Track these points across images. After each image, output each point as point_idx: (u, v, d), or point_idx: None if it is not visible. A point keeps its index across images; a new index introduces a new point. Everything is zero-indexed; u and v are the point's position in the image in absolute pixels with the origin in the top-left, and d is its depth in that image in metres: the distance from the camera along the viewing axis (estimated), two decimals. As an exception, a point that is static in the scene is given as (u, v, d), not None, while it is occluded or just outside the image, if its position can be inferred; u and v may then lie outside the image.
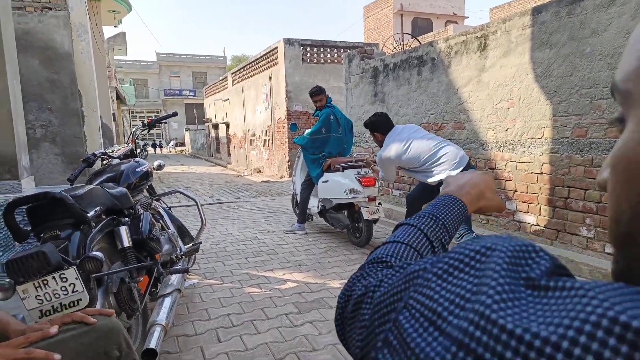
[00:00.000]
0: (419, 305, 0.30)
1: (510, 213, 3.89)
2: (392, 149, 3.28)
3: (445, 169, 3.00)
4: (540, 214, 3.61)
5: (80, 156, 6.37)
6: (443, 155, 3.05)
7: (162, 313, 1.99)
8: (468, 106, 4.27)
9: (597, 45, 3.05)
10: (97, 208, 1.92)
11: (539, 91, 3.52)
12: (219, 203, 7.47)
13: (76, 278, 1.57)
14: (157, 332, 1.86)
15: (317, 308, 2.72)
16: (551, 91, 3.42)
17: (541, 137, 3.54)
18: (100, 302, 1.85)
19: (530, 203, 3.70)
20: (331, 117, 4.51)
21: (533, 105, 3.59)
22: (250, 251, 4.11)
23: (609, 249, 3.08)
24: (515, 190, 3.83)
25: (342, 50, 12.28)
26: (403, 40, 12.08)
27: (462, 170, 2.95)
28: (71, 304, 1.58)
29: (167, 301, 2.11)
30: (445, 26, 23.82)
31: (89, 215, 1.81)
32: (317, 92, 4.58)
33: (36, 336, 1.03)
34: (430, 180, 3.16)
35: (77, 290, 1.57)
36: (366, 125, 3.59)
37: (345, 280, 2.87)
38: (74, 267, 1.56)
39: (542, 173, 3.56)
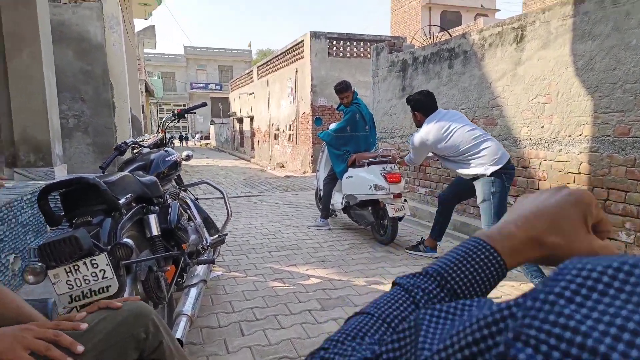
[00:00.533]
0: (554, 340, 0.22)
1: (544, 213, 3.73)
2: (432, 133, 3.10)
3: (484, 163, 2.88)
4: (576, 215, 3.44)
5: (111, 146, 6.51)
6: (484, 149, 2.91)
7: (188, 303, 1.99)
8: (501, 101, 4.12)
9: (646, 37, 2.87)
10: (128, 195, 1.93)
11: (579, 86, 3.35)
12: (243, 196, 7.52)
13: (107, 264, 1.57)
14: (183, 322, 1.86)
15: (341, 305, 2.68)
16: (592, 86, 3.25)
17: (580, 135, 3.38)
18: (128, 289, 1.86)
19: (565, 203, 3.54)
20: (357, 115, 4.43)
21: (572, 101, 3.42)
22: (274, 245, 4.10)
23: (651, 254, 2.91)
24: (550, 190, 3.67)
25: (368, 44, 12.12)
26: (432, 34, 11.83)
27: (501, 169, 2.83)
28: (101, 290, 1.59)
29: (193, 292, 2.10)
30: (475, 20, 23.20)
31: (120, 202, 1.82)
32: (343, 89, 4.46)
33: (66, 325, 1.02)
34: (464, 172, 3.01)
35: (107, 277, 1.58)
36: (409, 101, 3.38)
37: (370, 278, 2.81)
38: (105, 253, 1.57)
39: (579, 173, 3.40)
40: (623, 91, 3.02)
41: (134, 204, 2.05)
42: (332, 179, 4.64)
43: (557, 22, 3.49)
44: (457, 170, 3.11)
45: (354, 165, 4.29)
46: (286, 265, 3.48)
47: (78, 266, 1.54)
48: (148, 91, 18.79)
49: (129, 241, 1.61)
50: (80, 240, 1.49)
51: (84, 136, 5.71)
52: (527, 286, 3.02)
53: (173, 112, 3.05)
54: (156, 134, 3.00)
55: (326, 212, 4.73)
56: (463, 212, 4.68)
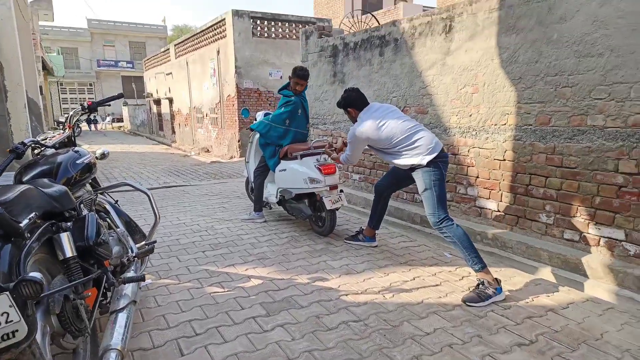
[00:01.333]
0: None
1: (472, 199, 3.92)
2: (367, 125, 3.07)
3: (420, 153, 2.89)
4: (501, 200, 3.66)
5: (4, 136, 5.60)
6: (418, 139, 2.93)
7: (117, 334, 1.72)
8: (432, 90, 4.20)
9: (565, 31, 3.05)
10: (32, 215, 1.59)
11: (504, 77, 3.50)
12: (167, 187, 7.01)
13: (10, 306, 1.27)
14: (112, 360, 1.60)
15: (287, 308, 2.56)
16: (516, 77, 3.42)
17: (505, 124, 3.55)
18: (40, 325, 1.55)
19: (491, 189, 3.74)
20: (299, 110, 4.23)
21: (497, 92, 3.58)
22: (207, 243, 3.84)
23: (567, 235, 3.18)
24: (478, 177, 3.85)
25: (293, 25, 11.85)
26: (355, 17, 11.86)
27: (436, 158, 2.86)
28: (5, 337, 1.28)
29: (122, 318, 1.83)
30: (395, 4, 23.80)
31: (22, 225, 1.49)
32: (305, 77, 4.15)
33: None
34: (401, 162, 3.02)
35: (11, 320, 1.28)
36: (339, 104, 3.35)
37: (313, 274, 2.72)
38: (7, 293, 1.26)
39: (504, 160, 3.59)
40: (544, 83, 3.21)
41: (40, 222, 1.70)
42: (264, 171, 4.44)
43: (484, 15, 3.60)
44: (394, 161, 3.11)
45: (285, 157, 4.12)
46: (223, 267, 3.26)
47: (-30, 313, 1.23)
48: (46, 69, 16.67)
49: (37, 275, 1.31)
50: (-29, 283, 1.17)
51: (-32, 126, 4.84)
52: (463, 270, 3.16)
53: (82, 104, 2.63)
54: (62, 131, 2.57)
55: (259, 204, 4.54)
56: (397, 198, 4.78)
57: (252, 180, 4.60)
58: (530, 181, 3.40)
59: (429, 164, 2.86)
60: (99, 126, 29.01)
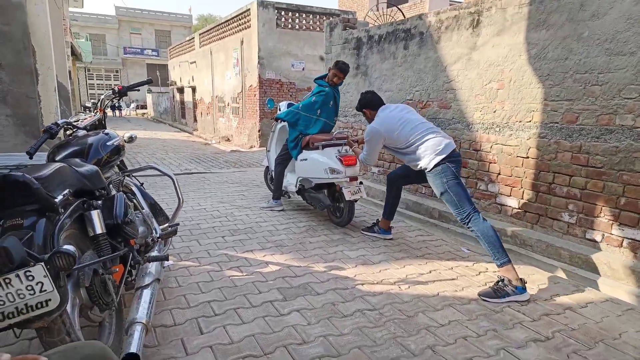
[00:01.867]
0: None
1: (493, 195, 3.89)
2: (384, 123, 3.13)
3: (428, 153, 2.90)
4: (522, 198, 3.61)
5: (34, 118, 5.80)
6: (429, 139, 2.95)
7: (142, 309, 1.80)
8: (456, 85, 4.16)
9: (596, 29, 2.97)
10: (66, 191, 1.67)
11: (532, 73, 3.44)
12: (188, 173, 7.14)
13: (44, 276, 1.35)
14: (137, 333, 1.67)
15: (303, 295, 2.61)
16: (544, 74, 3.35)
17: (530, 121, 3.50)
18: (70, 297, 1.64)
19: (513, 187, 3.69)
20: (331, 102, 4.25)
21: (524, 88, 3.52)
22: (227, 229, 3.92)
23: (589, 235, 3.13)
24: (499, 173, 3.81)
25: (317, 17, 11.81)
26: (378, 10, 11.74)
27: (446, 157, 2.86)
28: (39, 305, 1.37)
29: (147, 294, 1.91)
30: (421, -3, 23.39)
31: (57, 200, 1.57)
32: (347, 71, 4.19)
33: None
34: (412, 163, 3.06)
35: (45, 290, 1.36)
36: (357, 107, 3.46)
37: (330, 263, 2.76)
38: (42, 264, 1.34)
39: (527, 157, 3.54)
40: (573, 80, 3.14)
41: (72, 199, 1.79)
42: (285, 159, 4.49)
43: (513, 10, 3.53)
44: (407, 162, 3.15)
45: (307, 147, 4.16)
46: (242, 252, 3.34)
47: (10, 279, 1.31)
48: (75, 55, 17.07)
49: (71, 248, 1.39)
50: (11, 251, 1.25)
51: (3, 106, 5.02)
52: (480, 266, 3.15)
53: (113, 89, 2.71)
54: (93, 113, 2.66)
55: (279, 192, 4.60)
56: (415, 192, 4.76)
57: (273, 169, 4.65)
58: (554, 179, 3.35)
59: (436, 166, 2.87)
60: (123, 112, 29.61)
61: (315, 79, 4.41)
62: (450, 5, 4.92)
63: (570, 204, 3.24)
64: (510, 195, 3.72)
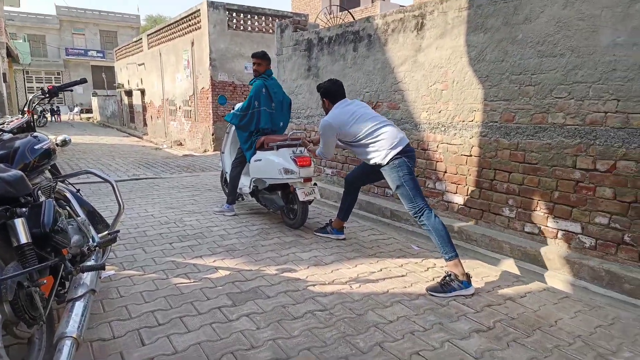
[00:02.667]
0: None
1: (440, 193, 4.01)
2: (338, 117, 3.15)
3: (383, 148, 2.94)
4: (467, 195, 3.76)
5: (-40, 124, 5.34)
6: (382, 133, 2.98)
7: (73, 322, 1.67)
8: (403, 86, 4.26)
9: (529, 32, 3.15)
10: (-18, 199, 1.53)
11: (472, 75, 3.59)
12: (136, 179, 6.84)
13: (-44, 292, 1.22)
14: (67, 348, 1.55)
15: (254, 299, 2.55)
16: (483, 75, 3.51)
17: (472, 120, 3.64)
18: (-10, 313, 1.50)
19: (458, 184, 3.83)
20: (263, 90, 4.20)
21: (466, 89, 3.66)
22: (175, 235, 3.77)
23: (528, 228, 3.30)
24: (446, 172, 3.94)
25: (270, 19, 11.76)
26: (331, 14, 11.87)
27: (399, 154, 2.91)
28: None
29: (79, 306, 1.79)
30: (373, 1, 23.93)
31: (-30, 209, 1.43)
32: (257, 55, 4.22)
33: None
34: (365, 157, 3.08)
35: (-43, 307, 1.23)
36: (319, 88, 3.41)
37: (282, 265, 2.72)
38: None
39: (471, 155, 3.69)
40: (509, 81, 3.31)
41: (-8, 206, 1.64)
42: (241, 162, 4.41)
43: (454, 13, 3.67)
44: (362, 156, 3.17)
45: (262, 147, 4.10)
46: (190, 258, 3.22)
47: None
48: (11, 56, 15.95)
49: (-14, 259, 1.27)
50: None
51: None
52: (429, 262, 3.23)
53: (42, 89, 2.53)
54: (21, 115, 2.47)
55: (233, 196, 4.50)
56: (368, 192, 4.83)
57: (228, 172, 4.55)
58: (495, 176, 3.51)
59: (391, 160, 2.91)
60: (66, 116, 27.97)
61: (249, 83, 4.44)
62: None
63: (510, 199, 3.40)
64: (456, 193, 3.86)
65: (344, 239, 3.75)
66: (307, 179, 3.84)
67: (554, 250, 3.07)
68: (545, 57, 3.07)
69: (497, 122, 3.44)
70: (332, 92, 3.31)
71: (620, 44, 2.69)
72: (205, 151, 11.43)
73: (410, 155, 2.98)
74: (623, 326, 2.32)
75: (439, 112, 3.93)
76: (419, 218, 2.87)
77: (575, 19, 2.89)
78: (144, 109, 16.69)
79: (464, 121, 3.71)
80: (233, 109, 4.69)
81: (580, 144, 2.93)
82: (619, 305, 2.59)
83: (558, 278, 2.95)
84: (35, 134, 2.33)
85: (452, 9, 3.69)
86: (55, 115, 26.23)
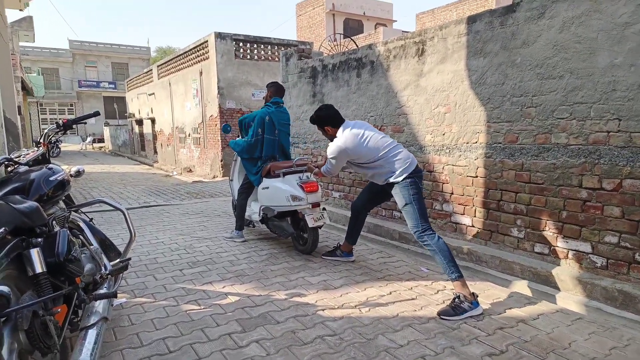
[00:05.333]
0: None
1: (448, 215, 4.02)
2: (349, 140, 3.11)
3: (398, 168, 2.98)
4: (475, 216, 3.76)
5: (-23, 156, 5.50)
6: (397, 153, 3.03)
7: (86, 350, 1.70)
8: (407, 110, 4.34)
9: (527, 55, 3.22)
10: (1, 230, 1.59)
11: (474, 98, 3.66)
12: (147, 207, 6.93)
13: (-27, 321, 1.26)
14: (80, 376, 1.58)
15: (263, 324, 2.56)
16: (485, 98, 3.57)
17: (476, 142, 3.68)
18: (7, 342, 1.53)
19: (466, 205, 3.84)
20: (266, 118, 4.28)
21: (468, 111, 3.72)
22: (185, 262, 3.81)
23: (538, 248, 3.28)
24: (452, 193, 3.96)
25: (276, 47, 12.07)
26: (335, 40, 12.17)
27: (411, 174, 2.95)
28: (-33, 354, 1.28)
29: (92, 334, 1.82)
30: (376, 28, 24.50)
31: (-11, 240, 1.49)
32: (268, 85, 4.41)
33: None
34: (379, 177, 3.10)
35: (-27, 336, 1.27)
36: (313, 120, 3.37)
37: (291, 290, 2.74)
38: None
39: (476, 176, 3.71)
40: (511, 103, 3.36)
41: (9, 237, 1.70)
42: (248, 188, 4.47)
43: (453, 39, 3.77)
44: (372, 176, 3.19)
45: (268, 175, 4.16)
46: (200, 284, 3.24)
47: None
48: (26, 89, 16.49)
49: (4, 289, 1.31)
50: None
51: (-60, 145, 4.75)
52: (439, 284, 3.21)
53: (57, 122, 2.64)
54: (36, 148, 2.56)
55: (241, 222, 4.54)
56: (375, 215, 4.84)
57: (236, 198, 4.61)
58: (502, 197, 3.52)
59: (405, 179, 2.95)
60: (79, 146, 28.52)
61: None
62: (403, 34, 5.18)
63: (518, 219, 3.40)
64: (464, 214, 3.86)
65: (353, 261, 3.75)
66: (315, 205, 3.87)
67: (565, 271, 3.04)
68: (545, 79, 3.12)
69: (501, 143, 3.48)
70: (332, 117, 3.27)
71: (618, 65, 2.75)
72: (214, 177, 11.56)
73: (420, 176, 3.04)
74: (638, 347, 2.27)
75: (443, 134, 3.98)
76: (422, 239, 2.88)
77: (572, 42, 2.96)
78: (155, 137, 17.01)
79: (468, 143, 3.75)
80: (239, 136, 4.78)
81: (585, 163, 2.95)
82: (634, 325, 2.55)
83: (571, 299, 2.91)
84: (50, 165, 2.41)
85: (452, 35, 3.79)
86: (55, 149, 26.61)
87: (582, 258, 3.01)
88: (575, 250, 3.05)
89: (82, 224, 2.58)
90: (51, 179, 2.24)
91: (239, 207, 4.49)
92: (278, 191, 3.95)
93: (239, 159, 4.78)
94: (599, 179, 2.88)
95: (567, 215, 3.07)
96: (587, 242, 2.97)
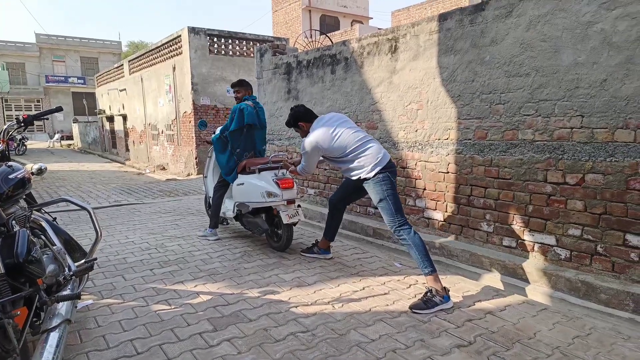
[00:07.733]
0: None
1: (420, 210, 4.07)
2: (320, 134, 3.13)
3: (369, 163, 2.98)
4: (446, 211, 3.82)
5: None
6: (368, 148, 3.02)
7: (47, 353, 1.65)
8: (380, 106, 4.37)
9: (496, 53, 3.29)
10: (-47, 230, 1.51)
11: (445, 95, 3.71)
12: (117, 206, 6.75)
13: None
14: (40, 380, 1.52)
15: (235, 323, 2.53)
16: (455, 95, 3.63)
17: (447, 138, 3.75)
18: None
19: (437, 200, 3.90)
20: (245, 110, 4.22)
21: (440, 108, 3.78)
22: (156, 261, 3.73)
23: (506, 242, 3.37)
24: (425, 189, 4.01)
25: (251, 43, 11.95)
26: (312, 37, 12.13)
27: (383, 169, 2.96)
28: None
29: (54, 337, 1.75)
30: (352, 25, 24.58)
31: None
32: (236, 84, 4.38)
33: None
34: (350, 172, 3.11)
35: None
36: (288, 123, 3.46)
37: (264, 288, 2.71)
38: None
39: (448, 172, 3.77)
40: (480, 100, 3.43)
41: (-37, 238, 1.62)
42: (223, 186, 4.41)
43: (425, 37, 3.82)
44: (344, 172, 3.20)
45: (244, 171, 4.12)
46: (171, 284, 3.18)
47: None
48: (-12, 84, 15.76)
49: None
50: None
51: None
52: (411, 279, 3.25)
53: (17, 118, 2.53)
54: (-5, 145, 2.45)
55: (215, 220, 4.47)
56: (350, 211, 4.86)
57: (211, 196, 4.54)
58: (472, 192, 3.59)
59: (376, 175, 2.96)
60: (46, 144, 27.48)
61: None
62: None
63: (487, 214, 3.48)
64: (436, 209, 3.93)
65: (331, 258, 3.76)
66: (291, 201, 3.85)
67: (531, 263, 3.13)
68: (512, 76, 3.20)
69: (471, 139, 3.55)
70: (303, 115, 3.37)
71: (581, 63, 2.84)
72: (188, 175, 11.37)
73: (393, 171, 3.05)
74: (599, 336, 2.37)
75: (416, 130, 4.03)
76: (399, 233, 2.91)
77: (538, 40, 3.04)
78: (126, 134, 16.58)
79: (439, 139, 3.81)
80: (214, 132, 4.71)
81: (549, 159, 3.04)
82: (596, 315, 2.65)
83: (537, 290, 3.00)
84: (10, 163, 2.31)
85: (424, 32, 3.83)
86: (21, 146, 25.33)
87: (547, 250, 3.11)
88: (540, 243, 3.14)
89: (44, 224, 2.49)
90: (10, 177, 2.15)
91: (214, 205, 4.42)
92: (253, 187, 3.92)
93: (213, 155, 4.71)
94: (562, 174, 2.98)
95: (533, 209, 3.16)
96: (552, 235, 3.07)
